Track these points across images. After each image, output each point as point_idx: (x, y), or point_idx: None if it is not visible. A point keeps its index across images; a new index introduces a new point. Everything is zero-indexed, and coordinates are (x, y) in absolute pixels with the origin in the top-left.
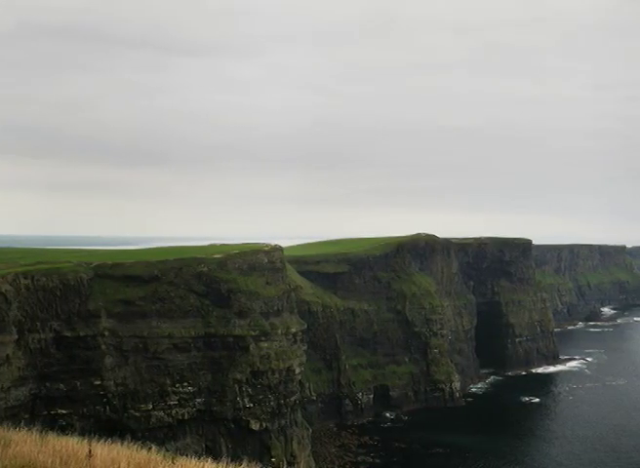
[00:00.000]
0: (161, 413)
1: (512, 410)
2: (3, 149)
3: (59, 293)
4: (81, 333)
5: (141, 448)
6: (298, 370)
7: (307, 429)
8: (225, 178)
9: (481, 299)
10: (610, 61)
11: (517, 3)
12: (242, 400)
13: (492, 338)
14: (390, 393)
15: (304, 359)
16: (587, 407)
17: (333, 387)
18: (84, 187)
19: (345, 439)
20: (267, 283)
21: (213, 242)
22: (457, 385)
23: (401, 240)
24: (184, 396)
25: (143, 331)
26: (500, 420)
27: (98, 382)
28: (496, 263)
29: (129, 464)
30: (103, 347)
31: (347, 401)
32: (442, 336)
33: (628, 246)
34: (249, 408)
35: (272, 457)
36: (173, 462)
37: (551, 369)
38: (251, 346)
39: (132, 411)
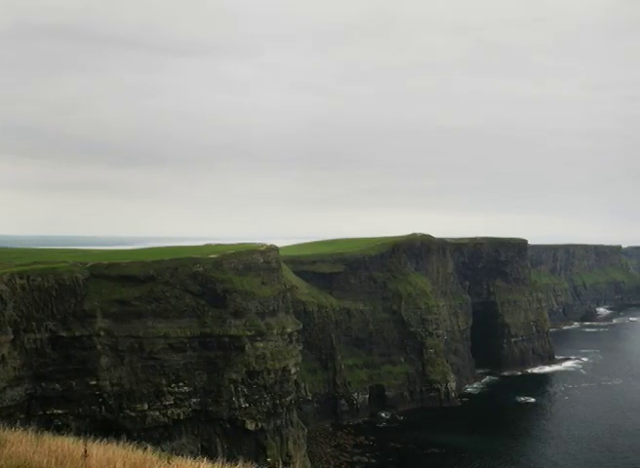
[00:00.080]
0: (157, 413)
1: (508, 410)
2: (0, 149)
3: (54, 293)
4: (77, 333)
5: (137, 448)
6: (293, 370)
7: (303, 429)
8: (222, 179)
9: (477, 299)
10: (608, 61)
11: (517, 3)
12: (238, 400)
13: (487, 338)
14: (386, 393)
15: (300, 359)
16: (583, 407)
17: (328, 387)
18: (80, 187)
19: (341, 439)
20: (263, 283)
21: (208, 242)
22: (452, 385)
23: (397, 240)
24: (180, 396)
25: (139, 331)
26: (495, 420)
27: (93, 382)
28: (491, 263)
29: (124, 464)
30: (99, 347)
31: (343, 401)
32: (438, 336)
33: (624, 246)
34: (244, 408)
35: (268, 457)
36: (168, 462)
37: (547, 369)
38: (246, 346)
39: (127, 411)
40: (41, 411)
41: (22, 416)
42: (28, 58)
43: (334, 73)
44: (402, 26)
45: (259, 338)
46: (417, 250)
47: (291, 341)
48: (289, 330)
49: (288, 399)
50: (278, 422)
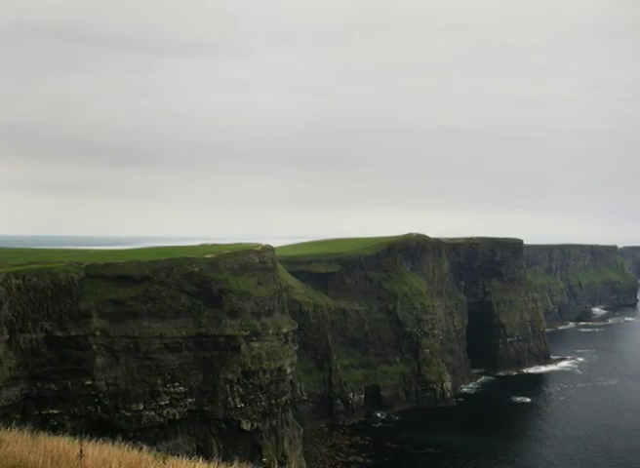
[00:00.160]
0: (152, 413)
1: (503, 410)
2: None
3: (50, 293)
4: (72, 333)
5: (133, 448)
6: (289, 370)
7: (299, 429)
8: (218, 179)
9: (472, 299)
10: (606, 62)
11: (515, 3)
12: (233, 400)
13: (483, 338)
14: (381, 393)
15: (296, 359)
16: (579, 407)
17: (324, 387)
18: (76, 187)
19: (337, 439)
20: (259, 283)
21: (204, 242)
22: (448, 385)
23: (392, 240)
24: (176, 396)
25: (135, 331)
26: (491, 420)
27: (89, 382)
28: (487, 263)
29: (120, 464)
30: (95, 347)
31: (339, 401)
32: (433, 336)
33: (620, 246)
34: (240, 407)
35: (263, 457)
36: (164, 462)
37: (542, 369)
38: (242, 346)
39: (123, 411)
40: (37, 411)
41: (18, 416)
42: (26, 57)
43: (331, 73)
44: (400, 26)
45: (254, 338)
46: (412, 250)
47: (286, 341)
48: (284, 330)
49: (283, 399)
50: (274, 422)
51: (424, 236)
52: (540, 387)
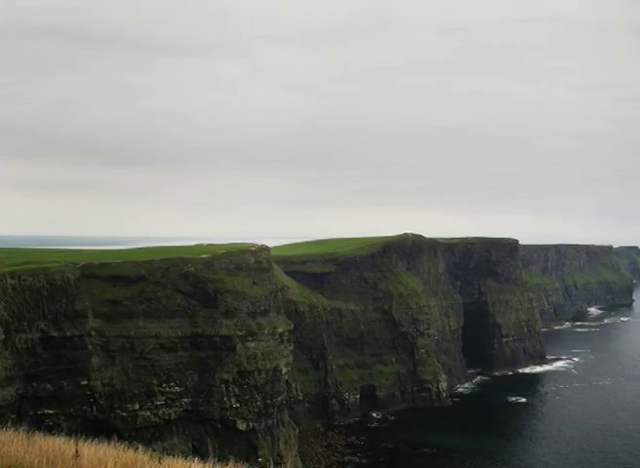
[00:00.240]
0: (148, 413)
1: (499, 410)
2: None
3: (45, 293)
4: (68, 333)
5: (128, 448)
6: (284, 371)
7: (294, 429)
8: (214, 179)
9: (468, 299)
10: (600, 62)
11: (512, 3)
12: (229, 400)
13: (479, 338)
14: (377, 393)
15: (291, 359)
16: (574, 407)
17: (319, 387)
18: (72, 187)
19: (332, 439)
20: (254, 283)
21: (199, 242)
22: (443, 385)
23: (388, 240)
24: (171, 396)
25: (130, 331)
26: (486, 420)
27: (84, 382)
28: (482, 263)
29: (116, 464)
30: (90, 347)
31: (334, 401)
32: (429, 336)
33: (615, 246)
34: (236, 408)
35: (259, 457)
36: (159, 462)
37: (538, 369)
38: (238, 346)
39: (118, 411)
40: (32, 411)
41: (14, 416)
42: (25, 57)
43: (330, 73)
44: (399, 26)
45: (250, 338)
46: (408, 250)
47: (282, 341)
48: (280, 330)
49: (279, 399)
50: (269, 422)
51: (420, 236)
52: (535, 387)
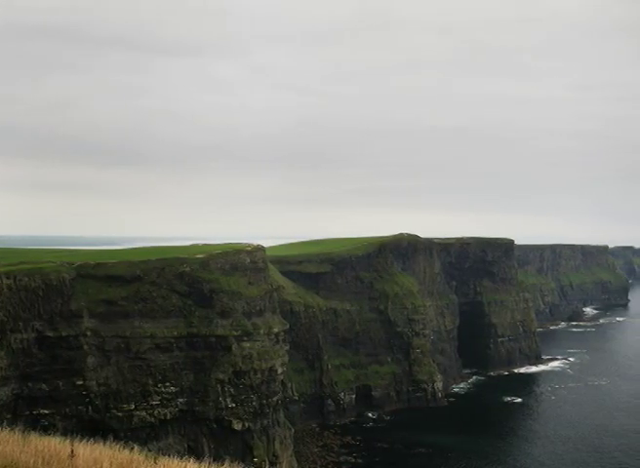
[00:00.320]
0: (143, 413)
1: (494, 410)
2: None
3: (41, 293)
4: (63, 333)
5: (124, 448)
6: (280, 371)
7: (290, 429)
8: (210, 179)
9: (463, 299)
10: (595, 62)
11: (503, 3)
12: (224, 400)
13: (474, 338)
14: (373, 393)
15: (287, 359)
16: (570, 407)
17: (315, 387)
18: (67, 187)
19: (328, 439)
20: (250, 283)
21: (195, 242)
22: (439, 385)
23: (383, 240)
24: (167, 396)
25: (126, 331)
26: (482, 420)
27: (80, 382)
28: (478, 263)
29: (111, 464)
30: (86, 347)
31: (330, 401)
32: (424, 336)
33: (611, 246)
34: (231, 408)
35: (254, 457)
36: (155, 462)
37: (533, 369)
38: (233, 346)
39: (114, 411)
40: (28, 411)
41: (9, 416)
42: (23, 57)
43: (324, 73)
44: (395, 26)
45: (245, 338)
46: (403, 250)
47: (277, 341)
48: (275, 330)
49: (274, 399)
50: (265, 422)
51: (416, 236)
52: (531, 387)
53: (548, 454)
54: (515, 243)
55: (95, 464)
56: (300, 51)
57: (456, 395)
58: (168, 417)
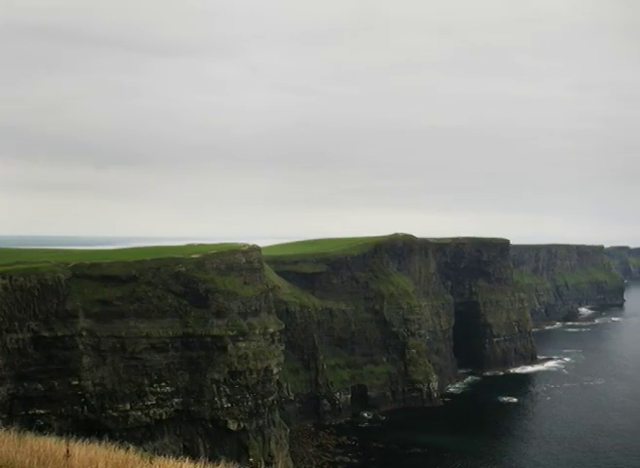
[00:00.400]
0: (139, 413)
1: (490, 410)
2: None
3: (36, 293)
4: (59, 333)
5: (119, 447)
6: (275, 371)
7: (285, 429)
8: (206, 179)
9: (459, 299)
10: (591, 62)
11: (503, 3)
12: (220, 400)
13: (469, 338)
14: (368, 393)
15: (282, 359)
16: (565, 407)
17: (310, 387)
18: (63, 187)
19: (323, 439)
20: (245, 283)
21: (190, 242)
22: (434, 385)
23: (379, 240)
24: (162, 396)
25: (121, 331)
26: (477, 420)
27: (75, 382)
28: (473, 263)
29: (107, 464)
30: (81, 347)
31: (325, 401)
32: (420, 336)
33: (606, 246)
34: (227, 408)
35: (250, 457)
36: (150, 462)
37: (529, 369)
38: (229, 346)
39: (110, 411)
40: (23, 411)
41: (5, 416)
42: (16, 57)
43: (322, 73)
44: (392, 27)
45: (241, 338)
46: (399, 250)
47: (273, 341)
48: (271, 330)
49: (270, 399)
50: (260, 422)
51: (411, 236)
52: (526, 387)
53: (544, 454)
54: (511, 243)
55: (90, 464)
56: (299, 51)
57: (451, 395)
58: (163, 417)
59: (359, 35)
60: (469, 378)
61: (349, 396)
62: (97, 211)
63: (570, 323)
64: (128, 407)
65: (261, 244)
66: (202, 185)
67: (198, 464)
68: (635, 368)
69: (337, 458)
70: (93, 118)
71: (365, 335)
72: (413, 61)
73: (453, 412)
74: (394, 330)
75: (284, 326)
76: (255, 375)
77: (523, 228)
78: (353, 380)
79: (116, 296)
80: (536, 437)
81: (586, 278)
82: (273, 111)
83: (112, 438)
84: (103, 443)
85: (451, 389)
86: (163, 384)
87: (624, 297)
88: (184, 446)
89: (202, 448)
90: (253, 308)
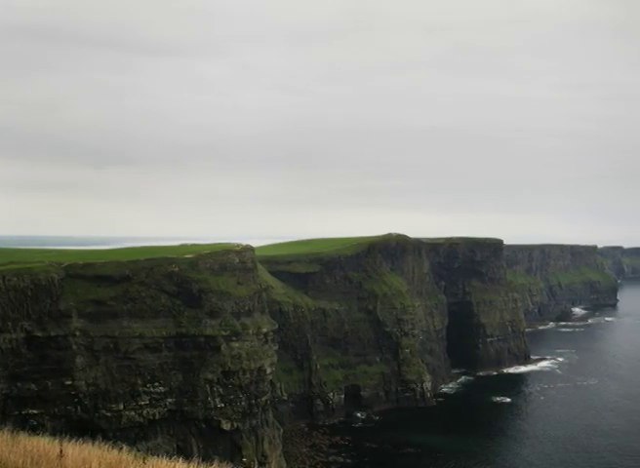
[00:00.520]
0: (132, 413)
1: (483, 410)
2: None
3: (30, 293)
4: (52, 333)
5: (113, 448)
6: (269, 370)
7: (278, 429)
8: (198, 179)
9: (452, 299)
10: (581, 62)
11: (493, 3)
12: (213, 400)
13: (463, 338)
14: (361, 393)
15: (275, 359)
16: (558, 407)
17: (304, 387)
18: (55, 187)
19: (317, 439)
20: (238, 283)
21: (184, 242)
22: (428, 385)
23: (372, 240)
24: (155, 396)
25: (115, 331)
26: (471, 420)
27: (69, 382)
28: (467, 263)
29: (100, 464)
30: (75, 347)
31: (318, 401)
32: (413, 336)
33: (600, 246)
34: (220, 408)
35: (243, 457)
36: (144, 462)
37: (522, 369)
38: (222, 346)
39: (103, 411)
40: (16, 411)
41: None
42: (5, 57)
43: (308, 74)
44: (383, 27)
45: (234, 338)
46: (392, 250)
47: (266, 341)
48: (264, 330)
49: (263, 399)
50: (254, 422)
51: (404, 236)
52: (519, 387)
53: (537, 454)
54: (504, 243)
55: (83, 464)
56: (291, 51)
57: (444, 395)
58: (157, 417)
59: (353, 35)
60: (463, 378)
61: (343, 396)
62: (90, 211)
63: (563, 323)
64: (121, 407)
65: (255, 244)
66: (195, 185)
67: (191, 464)
68: (628, 368)
69: (330, 458)
70: (85, 118)
71: (358, 335)
72: (407, 62)
73: (446, 412)
74: (387, 330)
75: (277, 326)
76: (248, 375)
77: (516, 228)
78: (346, 380)
79: (109, 296)
80: (529, 437)
81: (580, 278)
82: (264, 111)
83: (105, 438)
84: (97, 443)
85: (444, 389)
86: (156, 384)
87: (618, 297)
88: (178, 446)
89: (195, 449)
90: (246, 308)
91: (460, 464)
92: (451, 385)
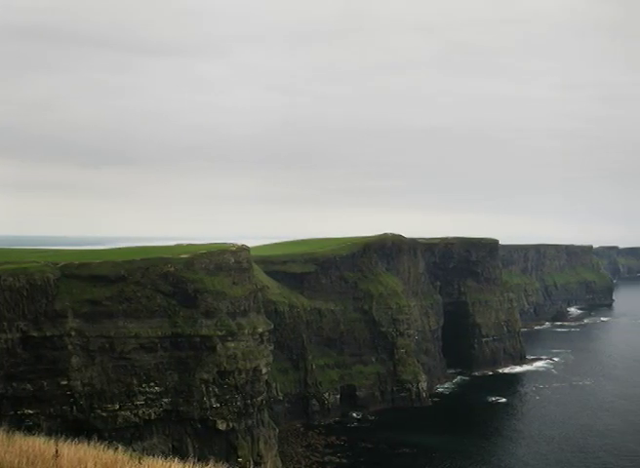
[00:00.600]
0: (128, 413)
1: (479, 410)
2: None
3: (25, 293)
4: (48, 333)
5: (108, 448)
6: (264, 371)
7: (274, 429)
8: (194, 179)
9: (448, 299)
10: (579, 62)
11: (486, 3)
12: (209, 400)
13: (458, 338)
14: (357, 393)
15: (271, 359)
16: (554, 407)
17: (299, 387)
18: (51, 187)
19: (312, 439)
20: (234, 283)
21: (179, 242)
22: (423, 385)
23: (368, 240)
24: (151, 396)
25: (110, 331)
26: (466, 420)
27: (64, 382)
28: (462, 263)
29: (95, 464)
30: (70, 347)
31: (314, 401)
32: (409, 336)
33: (595, 246)
34: (215, 408)
35: (239, 457)
36: (139, 462)
37: (518, 369)
38: (217, 346)
39: (98, 411)
40: (12, 411)
41: None
42: (3, 57)
43: (304, 73)
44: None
45: (230, 338)
46: (388, 250)
47: (262, 341)
48: (260, 330)
49: (259, 399)
50: (249, 422)
51: (400, 236)
52: (515, 387)
53: (532, 454)
54: (499, 243)
55: (79, 464)
56: (285, 51)
57: (440, 395)
58: (152, 417)
59: (352, 36)
60: (458, 378)
61: (338, 396)
62: (85, 211)
63: (559, 323)
64: (117, 407)
65: (250, 244)
66: (195, 185)
67: (187, 464)
68: (624, 368)
69: (325, 458)
70: (81, 118)
71: (354, 335)
72: (407, 62)
73: (441, 412)
74: (383, 330)
75: (273, 326)
76: (243, 375)
77: (512, 228)
78: (342, 380)
79: (105, 296)
80: (524, 437)
81: (575, 278)
82: (260, 111)
83: (101, 438)
84: (92, 443)
85: (440, 389)
86: (152, 384)
87: (613, 297)
88: (173, 446)
89: (191, 449)
90: (242, 308)
91: (455, 464)
92: (446, 385)
